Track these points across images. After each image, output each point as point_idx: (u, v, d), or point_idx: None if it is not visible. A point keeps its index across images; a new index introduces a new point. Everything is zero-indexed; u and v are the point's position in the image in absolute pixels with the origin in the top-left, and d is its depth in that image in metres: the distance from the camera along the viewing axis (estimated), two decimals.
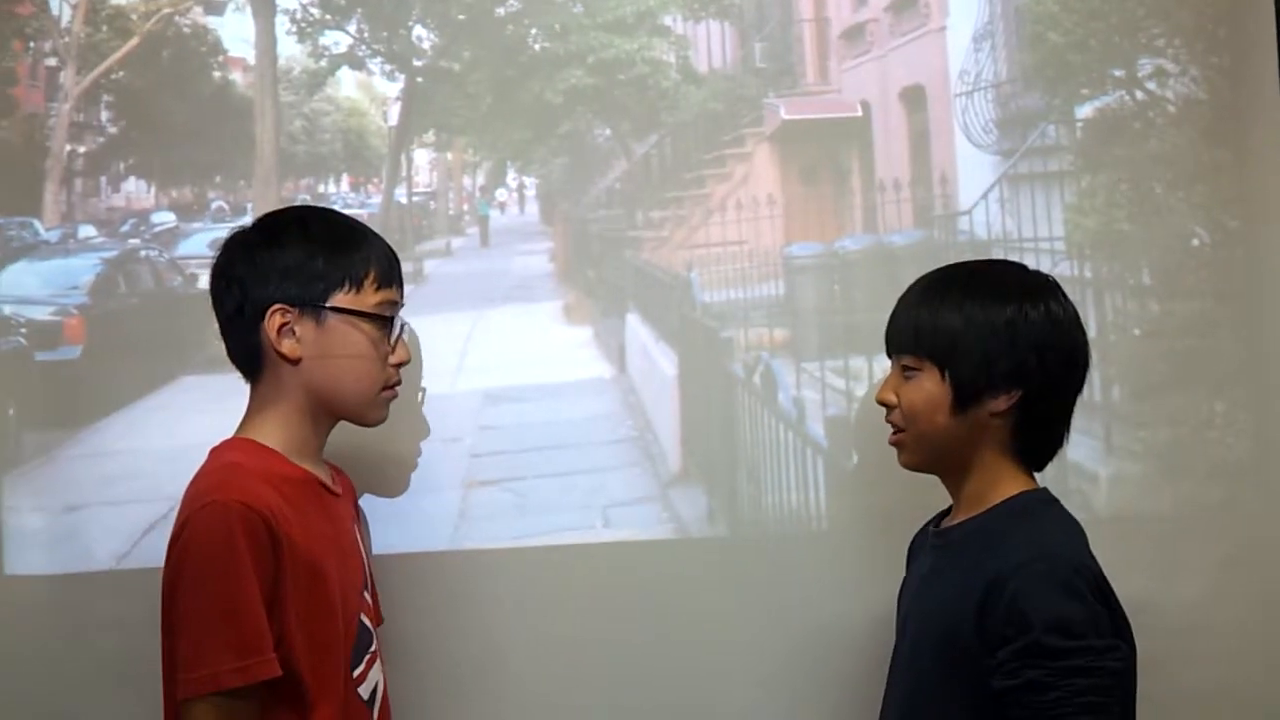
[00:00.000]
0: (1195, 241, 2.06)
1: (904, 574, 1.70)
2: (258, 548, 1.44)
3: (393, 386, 1.61)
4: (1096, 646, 1.39)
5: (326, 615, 1.52)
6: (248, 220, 2.06)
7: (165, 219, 2.15)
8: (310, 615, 1.50)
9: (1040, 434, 1.54)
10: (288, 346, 1.54)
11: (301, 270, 1.54)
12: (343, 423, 1.63)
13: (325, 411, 1.59)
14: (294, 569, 1.48)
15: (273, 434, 1.57)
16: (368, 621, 1.62)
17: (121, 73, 2.12)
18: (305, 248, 1.55)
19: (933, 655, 1.51)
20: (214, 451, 1.57)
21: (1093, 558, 1.49)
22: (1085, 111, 2.08)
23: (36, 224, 2.08)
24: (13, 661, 1.96)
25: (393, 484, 1.99)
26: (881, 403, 1.58)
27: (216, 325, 1.59)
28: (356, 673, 1.57)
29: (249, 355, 1.57)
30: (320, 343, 1.55)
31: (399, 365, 1.61)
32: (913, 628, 1.59)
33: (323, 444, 1.62)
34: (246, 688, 1.43)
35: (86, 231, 2.12)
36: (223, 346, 1.60)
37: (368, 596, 1.65)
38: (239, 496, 1.45)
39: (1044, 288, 1.54)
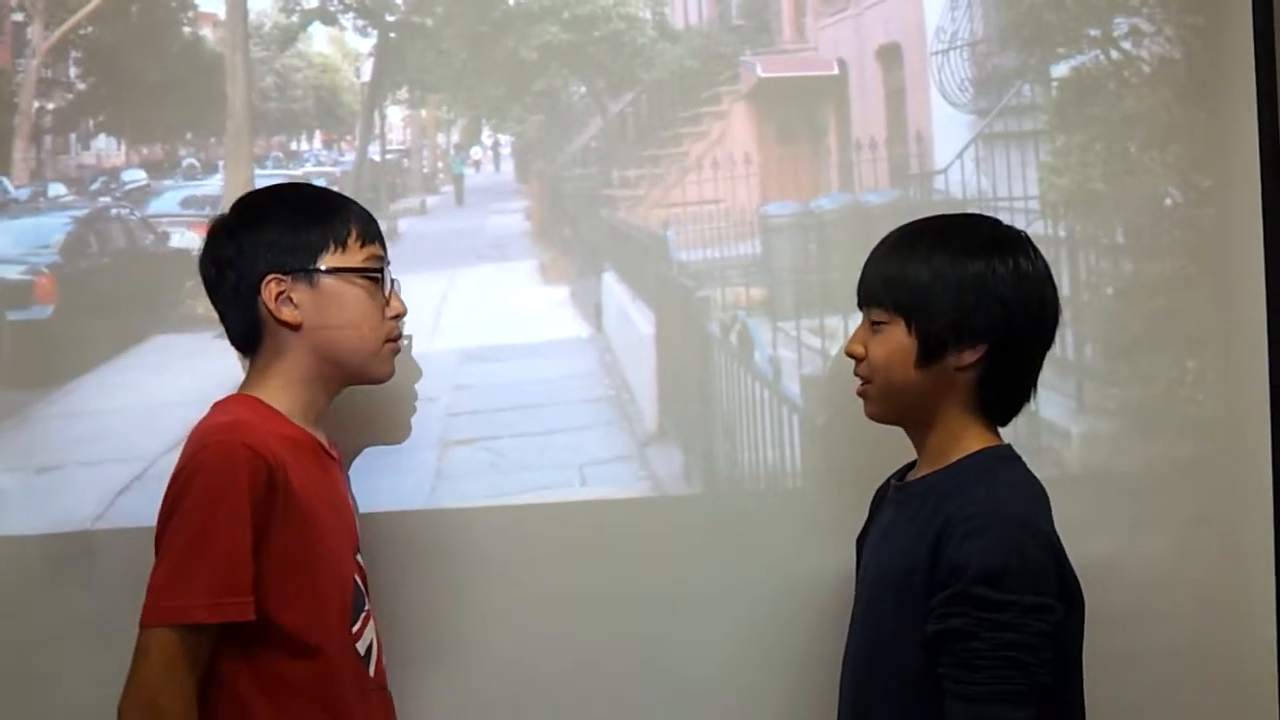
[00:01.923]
0: (1168, 201, 2.07)
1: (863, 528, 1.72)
2: (257, 492, 1.47)
3: (394, 340, 1.66)
4: (1025, 603, 1.40)
5: (319, 569, 1.55)
6: (219, 178, 2.09)
7: (136, 177, 2.12)
8: (305, 568, 1.53)
9: (1006, 389, 1.55)
10: (288, 314, 1.58)
11: (287, 240, 1.59)
12: None
13: (331, 375, 1.63)
14: (291, 520, 1.51)
15: (277, 396, 1.60)
16: (360, 582, 1.65)
17: (90, 28, 2.08)
18: (286, 219, 1.60)
19: (890, 605, 1.52)
20: (218, 405, 1.60)
21: (1046, 517, 1.50)
22: (1061, 71, 2.09)
23: (5, 182, 2.05)
24: None
25: (395, 430, 2.00)
26: (850, 355, 1.60)
27: (189, 284, 1.61)
28: (354, 629, 1.60)
29: (250, 331, 1.61)
30: (318, 305, 1.59)
31: (397, 317, 1.65)
32: (871, 578, 1.61)
33: (324, 411, 1.66)
34: (209, 625, 1.45)
35: (56, 190, 2.10)
36: (195, 305, 1.61)
37: (360, 559, 1.67)
38: (245, 439, 1.48)
39: (1014, 243, 1.55)
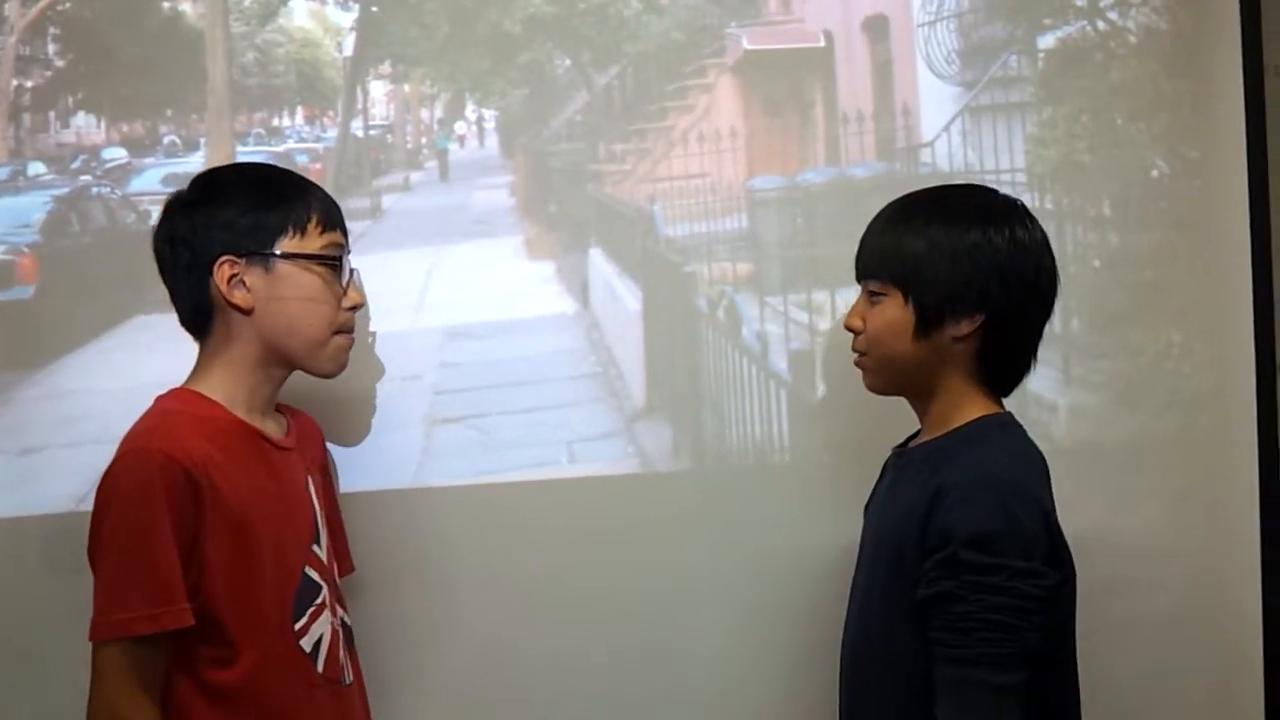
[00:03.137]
0: (1155, 173, 2.07)
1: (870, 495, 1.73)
2: (176, 498, 1.45)
3: (347, 331, 1.62)
4: (1015, 568, 1.41)
5: (252, 568, 1.53)
6: (200, 155, 2.07)
7: (117, 155, 2.10)
8: (235, 568, 1.51)
9: (1004, 359, 1.56)
10: (239, 297, 1.55)
11: (244, 221, 1.55)
12: (300, 373, 1.64)
13: (277, 361, 1.60)
14: (218, 521, 1.49)
15: (218, 386, 1.58)
16: (314, 574, 1.62)
17: (68, 4, 2.05)
18: (245, 199, 1.57)
19: (885, 571, 1.54)
20: (156, 400, 1.59)
21: (1041, 483, 1.51)
22: (1047, 42, 2.08)
23: None
24: None
25: (352, 430, 1.99)
26: (849, 328, 1.60)
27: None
28: (299, 625, 1.58)
29: (199, 312, 1.58)
30: (271, 290, 1.56)
31: (353, 309, 1.62)
32: (869, 544, 1.62)
33: (272, 397, 1.63)
34: (156, 635, 1.46)
35: (36, 168, 2.08)
36: None
37: (317, 549, 1.65)
38: (162, 445, 1.47)
39: (1010, 212, 1.55)
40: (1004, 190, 1.63)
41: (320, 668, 1.61)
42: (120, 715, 1.46)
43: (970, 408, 1.55)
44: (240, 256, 1.55)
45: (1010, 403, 1.62)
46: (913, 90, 2.08)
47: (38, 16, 2.05)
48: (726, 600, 2.00)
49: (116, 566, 1.46)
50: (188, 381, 1.60)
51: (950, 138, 2.06)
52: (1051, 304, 1.57)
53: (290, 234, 1.57)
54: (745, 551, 2.01)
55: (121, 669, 1.46)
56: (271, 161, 1.99)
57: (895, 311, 1.54)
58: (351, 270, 1.63)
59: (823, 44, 2.11)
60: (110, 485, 1.48)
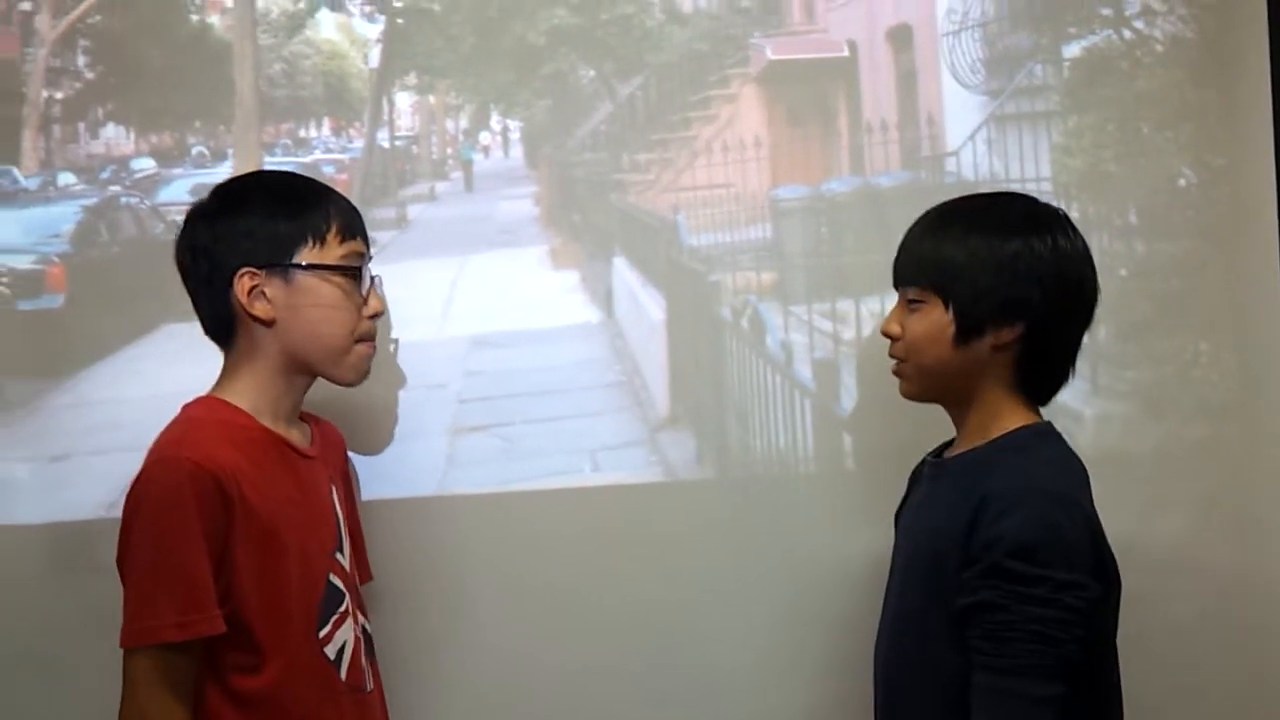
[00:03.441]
0: (1182, 182, 2.06)
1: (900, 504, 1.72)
2: (206, 505, 1.46)
3: (369, 340, 1.62)
4: (1058, 579, 1.39)
5: (280, 576, 1.54)
6: (228, 166, 2.09)
7: (145, 165, 2.12)
8: (262, 575, 1.52)
9: (1043, 368, 1.55)
10: (260, 309, 1.56)
11: (263, 231, 1.55)
12: (321, 382, 1.64)
13: (300, 369, 1.61)
14: (246, 528, 1.50)
15: (243, 394, 1.58)
16: (338, 582, 1.63)
17: (98, 16, 2.08)
18: (265, 209, 1.57)
19: (921, 580, 1.53)
20: (184, 408, 1.59)
21: (1084, 493, 1.50)
22: (1073, 51, 2.07)
23: (15, 172, 2.06)
24: (2, 610, 1.97)
25: (375, 438, 1.99)
26: (886, 334, 1.59)
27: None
28: (323, 633, 1.59)
29: (222, 322, 1.59)
30: (291, 300, 1.56)
31: (374, 317, 1.62)
32: (905, 553, 1.61)
33: (296, 405, 1.64)
34: (187, 643, 1.46)
35: (66, 179, 2.10)
36: None
37: (340, 557, 1.65)
38: (191, 454, 1.47)
39: (1051, 221, 1.54)
40: None
41: (343, 675, 1.61)
42: None
43: (1009, 417, 1.54)
44: (260, 268, 1.55)
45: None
46: (937, 99, 2.08)
47: (68, 29, 2.07)
48: (751, 610, 2.00)
49: (147, 573, 1.47)
50: (214, 390, 1.61)
51: (975, 147, 2.06)
52: (1092, 314, 1.56)
53: (309, 244, 1.57)
54: (770, 561, 2.00)
55: (153, 676, 1.46)
56: (299, 172, 2.01)
57: (935, 318, 1.53)
58: (373, 277, 1.63)
59: (847, 54, 2.11)
60: (140, 493, 1.49)
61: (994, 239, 1.50)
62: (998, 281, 1.49)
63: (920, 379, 1.57)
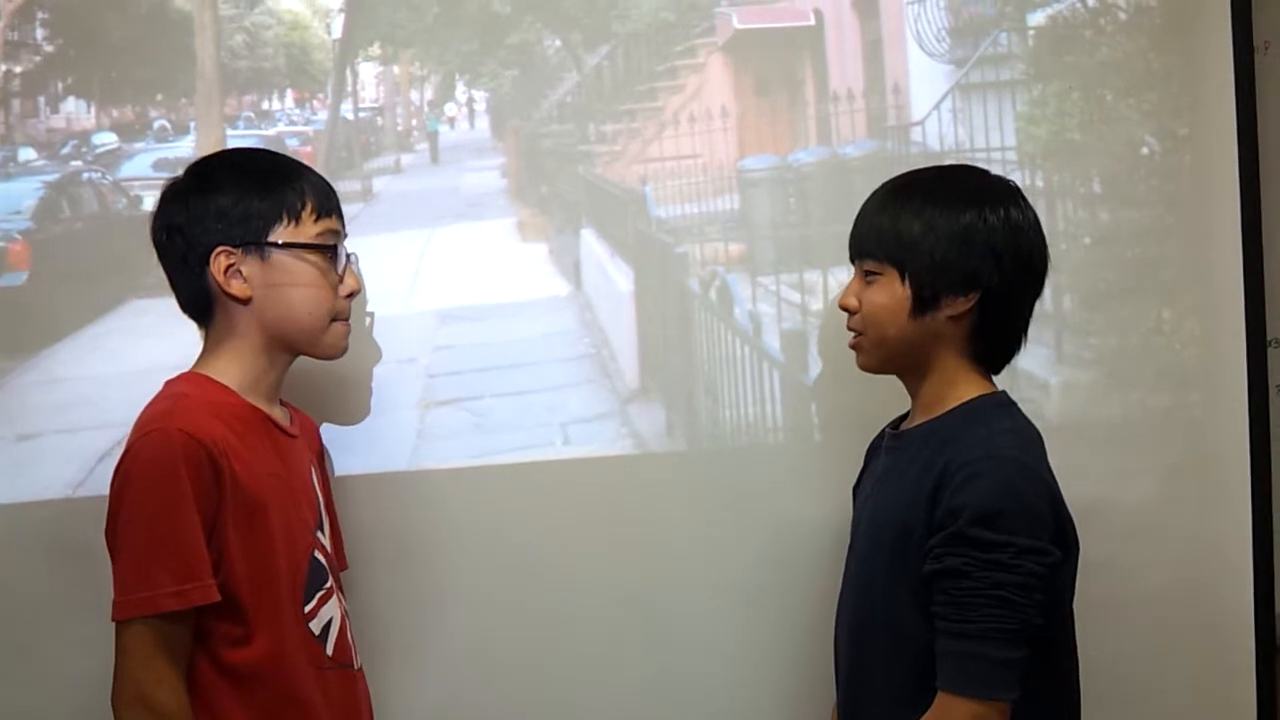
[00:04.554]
0: (1145, 150, 2.07)
1: (858, 476, 1.74)
2: (199, 476, 1.46)
3: (345, 319, 1.63)
4: (1020, 545, 1.43)
5: (267, 550, 1.54)
6: (190, 139, 2.06)
7: (107, 140, 2.10)
8: (250, 548, 1.52)
9: (998, 337, 1.58)
10: (236, 287, 1.56)
11: (238, 210, 1.56)
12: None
13: (280, 347, 1.61)
14: (235, 501, 1.50)
15: (226, 371, 1.58)
16: (321, 559, 1.64)
17: None
18: (239, 187, 1.56)
19: (886, 550, 1.55)
20: (167, 384, 1.59)
21: (1043, 461, 1.53)
22: (1037, 19, 2.08)
23: None
24: None
25: (350, 411, 1.99)
26: (844, 308, 1.62)
27: None
28: (308, 608, 1.60)
29: (199, 301, 1.59)
30: (268, 279, 1.56)
31: (350, 295, 1.62)
32: (866, 527, 1.63)
33: (279, 382, 1.64)
34: (181, 612, 1.46)
35: (26, 154, 2.07)
36: None
37: (321, 535, 1.66)
38: (181, 425, 1.47)
39: (1005, 193, 1.57)
40: (995, 168, 1.63)
41: (330, 651, 1.63)
42: (148, 693, 1.46)
43: (964, 386, 1.57)
44: (235, 247, 1.55)
45: (1002, 380, 1.63)
46: (903, 68, 2.08)
47: (26, 2, 2.04)
48: (721, 580, 2.01)
49: (141, 545, 1.46)
50: (196, 366, 1.61)
51: (941, 116, 2.06)
52: (1043, 283, 1.59)
53: (285, 222, 1.57)
54: (739, 531, 2.02)
55: (147, 647, 1.46)
56: (262, 145, 1.99)
57: (891, 290, 1.55)
58: (349, 255, 1.63)
59: (813, 22, 2.10)
60: (130, 465, 1.48)
61: (949, 211, 1.53)
62: (952, 252, 1.52)
63: (877, 351, 1.60)
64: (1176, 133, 2.06)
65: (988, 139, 2.06)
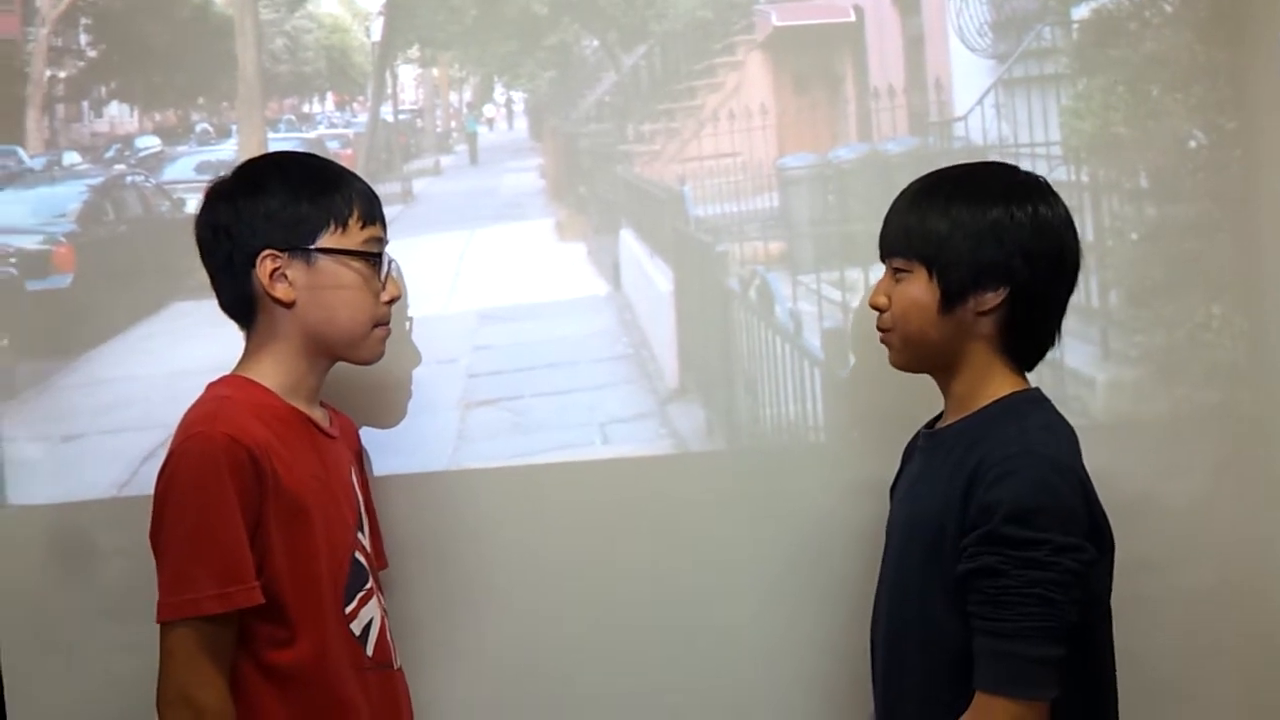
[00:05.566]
0: (1192, 144, 2.04)
1: (895, 477, 1.73)
2: (242, 479, 1.47)
3: (385, 324, 1.64)
4: (1057, 542, 1.41)
5: (309, 552, 1.55)
6: (232, 142, 2.08)
7: (150, 143, 2.12)
8: (293, 550, 1.53)
9: (1029, 333, 1.56)
10: (281, 290, 1.57)
11: (286, 214, 1.56)
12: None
13: (321, 352, 1.62)
14: (278, 503, 1.51)
15: (268, 373, 1.59)
16: (362, 560, 1.65)
17: None
18: (287, 191, 1.57)
19: (920, 551, 1.54)
20: (209, 386, 1.60)
21: (1077, 458, 1.52)
22: (1081, 12, 2.05)
23: (20, 152, 2.05)
24: (16, 591, 1.97)
25: (389, 414, 2.00)
26: (874, 306, 1.61)
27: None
28: (349, 609, 1.60)
29: (243, 303, 1.60)
30: (312, 284, 1.57)
31: (391, 301, 1.63)
32: (901, 527, 1.62)
33: (319, 385, 1.65)
34: (225, 615, 1.47)
35: (71, 158, 2.09)
36: None
37: (361, 536, 1.67)
38: (225, 429, 1.48)
39: (1032, 189, 1.56)
40: (1039, 163, 1.62)
41: (370, 651, 1.63)
42: (191, 695, 1.47)
43: (997, 383, 1.56)
44: (282, 250, 1.56)
45: (1048, 378, 1.62)
46: (945, 64, 2.06)
47: (69, 7, 2.06)
48: (762, 579, 2.00)
49: (185, 547, 1.47)
50: (238, 369, 1.62)
51: (984, 111, 2.04)
52: (1075, 279, 1.57)
53: (332, 229, 1.58)
54: (780, 531, 2.00)
55: (191, 649, 1.47)
56: (303, 148, 2.00)
57: (920, 288, 1.55)
58: (390, 262, 1.64)
59: (853, 18, 2.09)
60: (175, 468, 1.49)
61: (976, 207, 1.52)
62: (981, 249, 1.51)
63: (908, 348, 1.59)
64: (1224, 127, 2.03)
65: (1031, 134, 2.04)
